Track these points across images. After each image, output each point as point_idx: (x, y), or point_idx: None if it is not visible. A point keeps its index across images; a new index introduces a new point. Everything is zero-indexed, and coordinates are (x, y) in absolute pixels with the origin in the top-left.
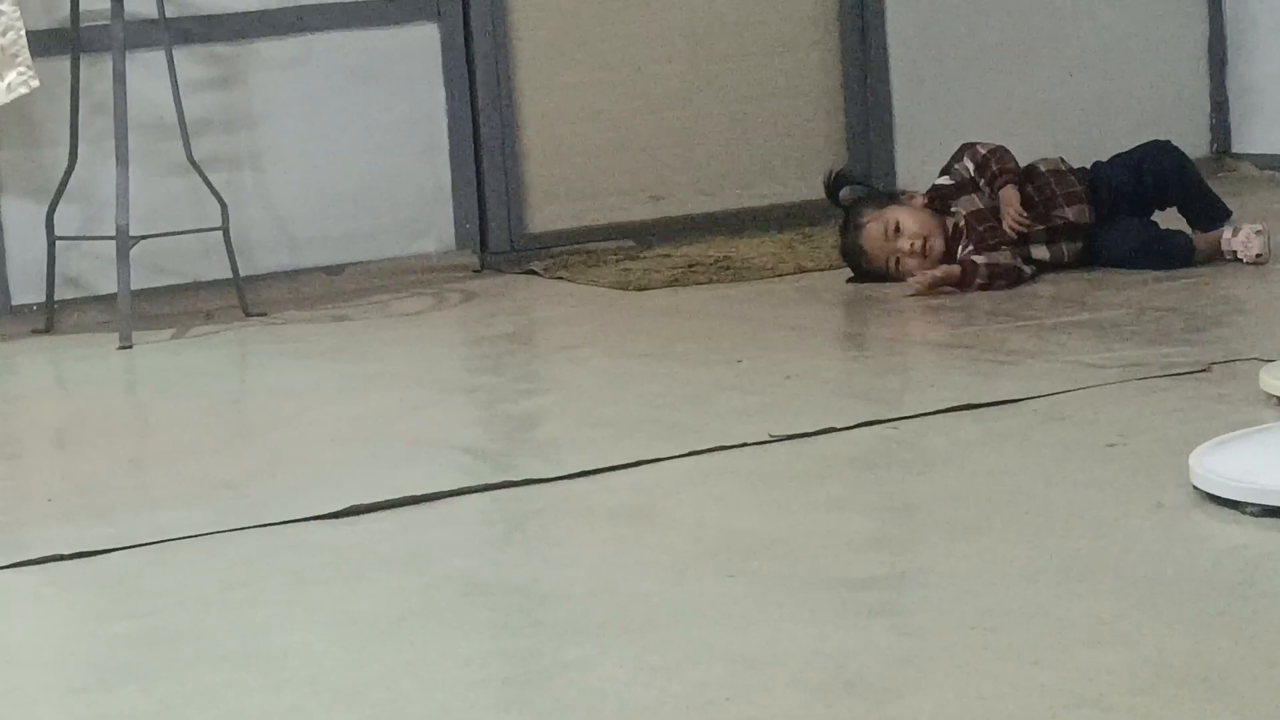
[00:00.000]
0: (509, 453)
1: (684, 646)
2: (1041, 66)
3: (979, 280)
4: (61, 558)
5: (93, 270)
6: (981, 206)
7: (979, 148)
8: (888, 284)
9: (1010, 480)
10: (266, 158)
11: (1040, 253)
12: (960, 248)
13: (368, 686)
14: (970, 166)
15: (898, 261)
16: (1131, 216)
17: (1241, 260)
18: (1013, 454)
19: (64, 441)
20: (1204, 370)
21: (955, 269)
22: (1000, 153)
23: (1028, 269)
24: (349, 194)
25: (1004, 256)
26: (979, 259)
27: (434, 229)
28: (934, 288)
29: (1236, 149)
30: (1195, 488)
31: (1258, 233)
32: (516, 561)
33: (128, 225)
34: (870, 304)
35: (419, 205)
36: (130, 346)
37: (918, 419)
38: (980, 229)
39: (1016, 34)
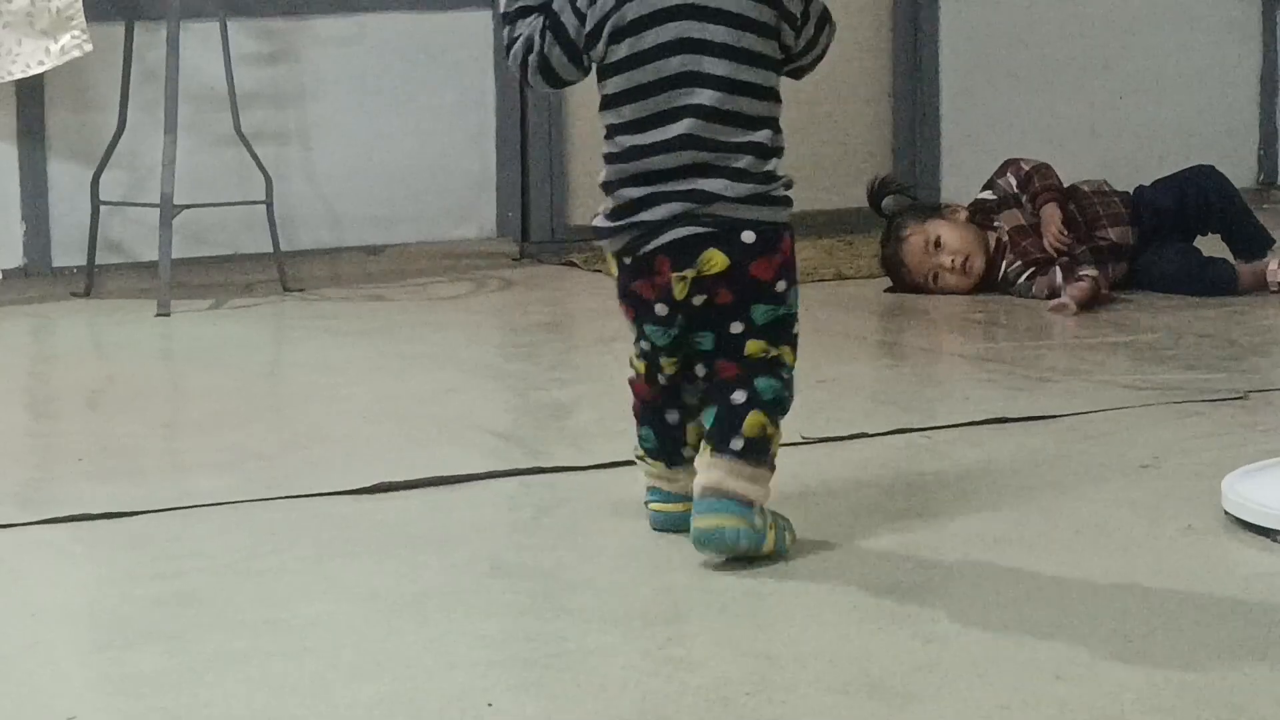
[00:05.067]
0: (540, 439)
1: (707, 641)
2: (1092, 87)
3: (1104, 293)
4: (90, 517)
5: (135, 237)
6: (1024, 223)
7: (1022, 164)
8: (926, 295)
9: (1041, 496)
10: (314, 134)
11: (1087, 273)
12: (1004, 263)
13: (388, 661)
14: (1013, 182)
15: (936, 276)
16: (1174, 241)
17: None
18: (1045, 470)
19: (98, 404)
20: (1240, 397)
21: (1089, 285)
22: (1043, 170)
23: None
24: (393, 175)
25: (1089, 270)
26: (1091, 273)
27: (476, 215)
28: (1087, 301)
29: None
30: (1227, 513)
31: None
32: (542, 547)
33: (172, 194)
34: (908, 314)
35: (463, 191)
36: (168, 314)
37: (951, 429)
38: (1023, 244)
39: (1068, 53)
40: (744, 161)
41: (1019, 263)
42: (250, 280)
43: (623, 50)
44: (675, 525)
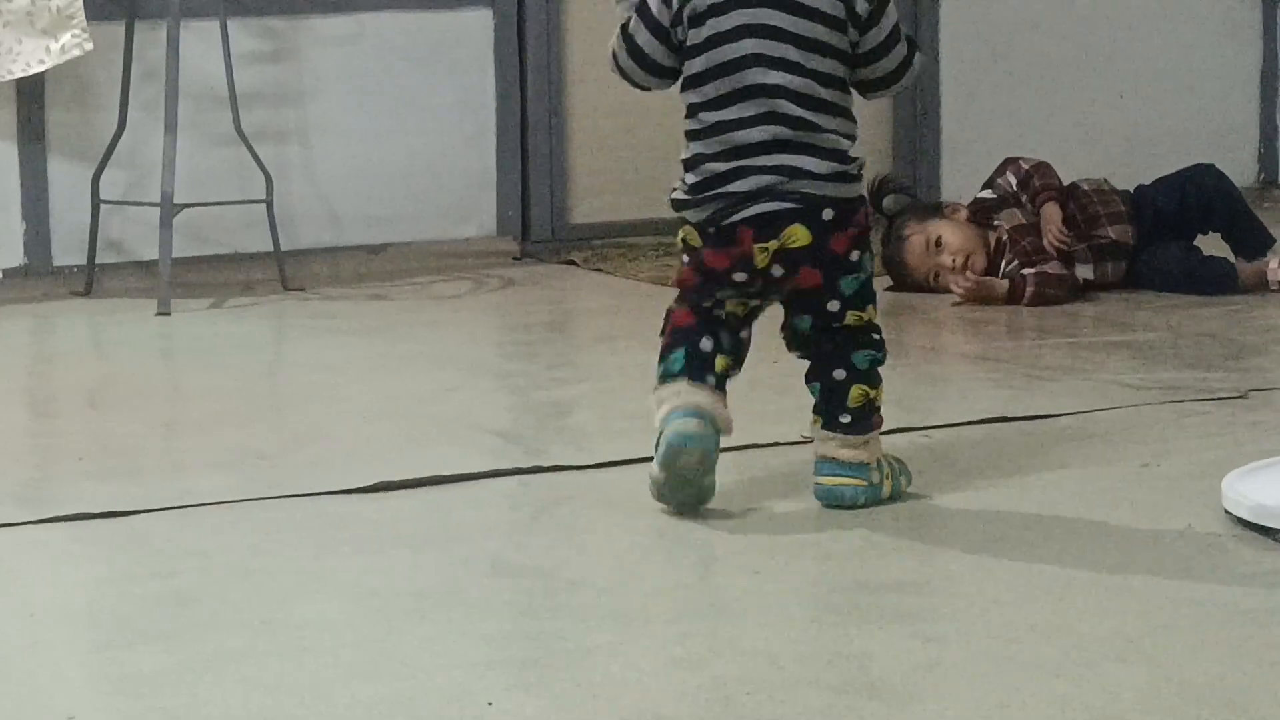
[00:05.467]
0: (540, 439)
1: (707, 640)
2: (1091, 86)
3: (1029, 291)
4: (90, 516)
5: (135, 236)
6: (1024, 221)
7: (1022, 163)
8: (927, 294)
9: (1041, 494)
10: (314, 133)
11: (1085, 271)
12: (1004, 262)
13: (386, 660)
14: (1013, 181)
15: (938, 275)
16: (1174, 240)
17: None
18: (1045, 469)
19: (98, 403)
20: (1240, 397)
21: (1001, 283)
22: (1043, 169)
23: (1078, 277)
24: (394, 174)
25: (1053, 267)
26: (1027, 272)
27: (476, 214)
28: (976, 299)
29: None
30: (1227, 512)
31: None
32: (542, 546)
33: (172, 193)
34: (909, 313)
35: (463, 190)
36: (168, 313)
37: (951, 428)
38: (1023, 243)
39: (1068, 52)
40: (826, 140)
41: (1019, 261)
42: (250, 279)
43: (704, 33)
44: (695, 442)
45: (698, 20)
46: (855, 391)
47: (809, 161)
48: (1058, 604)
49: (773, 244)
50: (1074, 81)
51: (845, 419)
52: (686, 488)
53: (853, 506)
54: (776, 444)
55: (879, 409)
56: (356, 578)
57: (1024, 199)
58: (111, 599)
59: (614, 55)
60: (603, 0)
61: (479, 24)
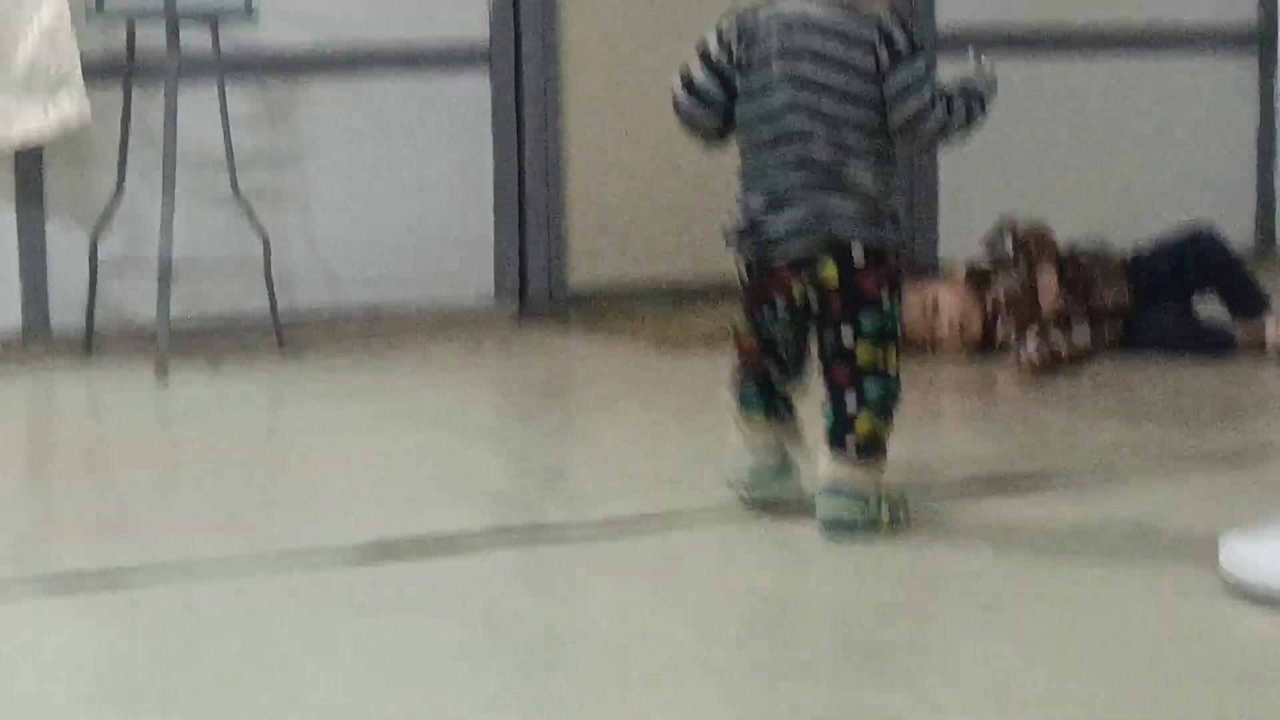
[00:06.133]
0: (537, 500)
1: (703, 701)
2: (1088, 148)
3: (1066, 359)
4: (87, 576)
5: (133, 298)
6: (1020, 285)
7: (1019, 225)
8: (923, 356)
9: (1038, 556)
10: (311, 196)
11: (1082, 334)
12: (999, 325)
13: None
14: (1010, 243)
15: (934, 338)
16: (1171, 302)
17: None
18: (1041, 530)
19: (95, 465)
20: (1238, 458)
21: (1051, 358)
22: (1040, 232)
23: (1076, 347)
24: (391, 237)
25: (1056, 339)
26: (1061, 349)
27: (474, 277)
28: (1039, 375)
29: None
30: (1223, 575)
31: None
32: (538, 608)
33: (170, 255)
34: (906, 375)
35: (460, 252)
36: (166, 375)
37: (947, 489)
38: (1019, 306)
39: (1066, 114)
40: (856, 184)
41: (1015, 324)
42: (248, 341)
43: (752, 83)
44: (771, 475)
45: (746, 71)
46: (864, 421)
47: (839, 204)
48: (1054, 665)
49: (806, 280)
50: (1071, 143)
51: (852, 445)
52: (772, 501)
53: (851, 530)
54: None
55: (885, 445)
56: (354, 637)
57: (1021, 261)
58: (105, 658)
59: (675, 101)
60: (597, 66)
61: (476, 88)
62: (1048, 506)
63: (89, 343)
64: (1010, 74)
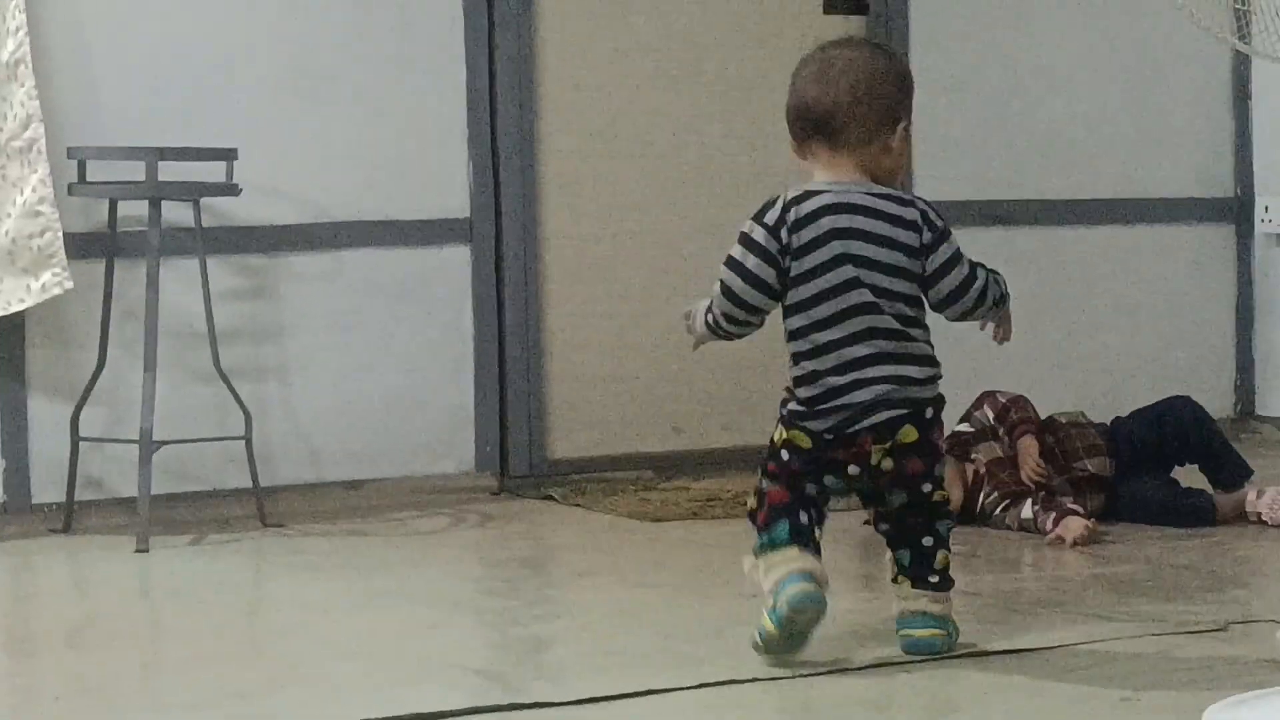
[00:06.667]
0: (518, 676)
1: None
2: (1068, 318)
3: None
4: None
5: (114, 472)
6: (1001, 455)
7: (999, 396)
8: None
9: None
10: (293, 370)
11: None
12: (982, 495)
13: None
14: (990, 414)
15: None
16: (1152, 472)
17: (1267, 522)
18: (1025, 703)
19: (76, 642)
20: (1221, 629)
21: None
22: (1020, 402)
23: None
24: (372, 410)
25: (1069, 503)
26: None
27: (455, 450)
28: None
29: (1260, 412)
30: None
31: None
32: None
33: (152, 430)
34: (885, 546)
35: (441, 425)
36: (147, 550)
37: (931, 662)
38: (1001, 476)
39: (1044, 283)
40: (918, 349)
41: (996, 494)
42: (229, 516)
43: (807, 263)
44: (813, 601)
45: (800, 253)
46: (941, 556)
47: (911, 370)
48: None
49: (888, 444)
50: (1050, 313)
51: (934, 579)
52: (799, 640)
53: (939, 653)
54: (755, 679)
55: (950, 572)
56: None
57: (1001, 432)
58: None
59: (724, 287)
60: (577, 240)
61: (457, 260)
62: (1030, 677)
63: (69, 518)
64: (988, 245)
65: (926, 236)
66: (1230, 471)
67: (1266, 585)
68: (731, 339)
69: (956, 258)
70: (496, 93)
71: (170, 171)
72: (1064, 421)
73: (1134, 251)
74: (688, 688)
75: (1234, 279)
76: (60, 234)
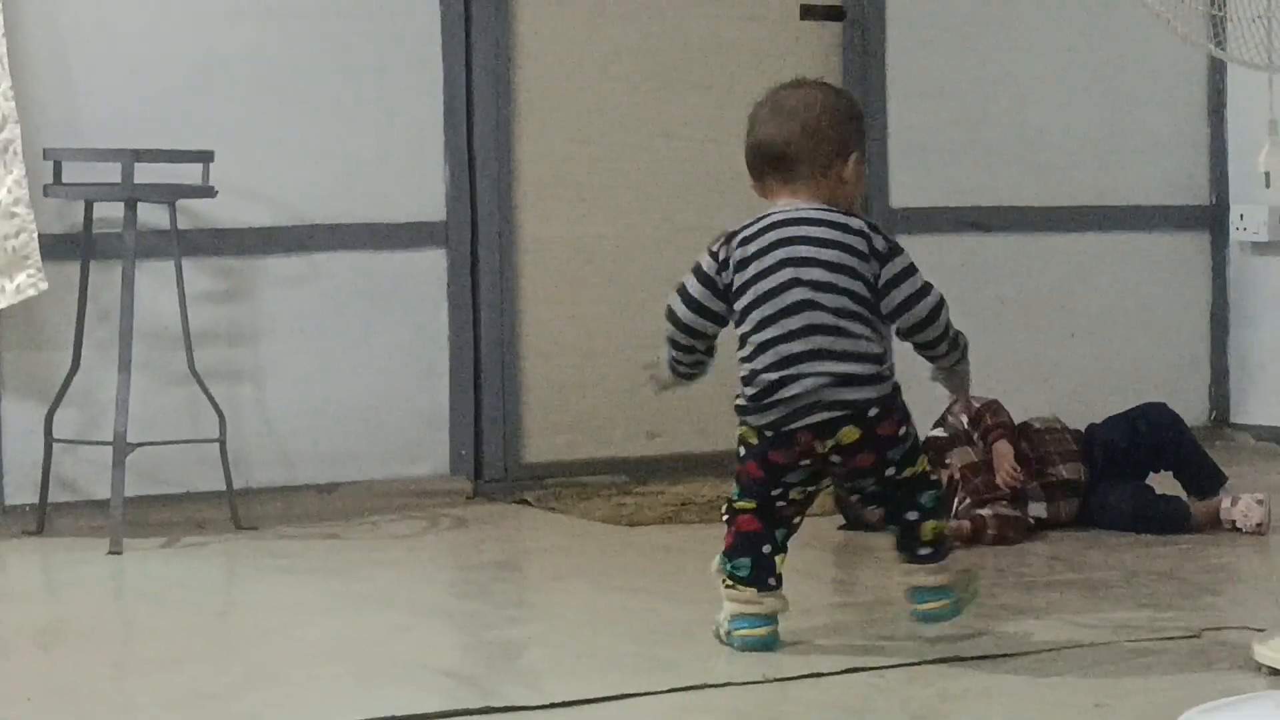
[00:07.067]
0: (492, 679)
1: None
2: (1043, 325)
3: (990, 534)
4: None
5: (88, 474)
6: (976, 460)
7: (973, 401)
8: (877, 533)
9: None
10: (267, 372)
11: (1038, 510)
12: (956, 500)
13: None
14: (964, 419)
15: None
16: (1127, 478)
17: (1241, 530)
18: (999, 709)
19: (48, 644)
20: (1194, 636)
21: (965, 525)
22: (994, 407)
23: (1030, 519)
24: (347, 413)
25: (1005, 508)
26: (985, 513)
27: (429, 453)
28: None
29: (1235, 419)
30: None
31: (1258, 502)
32: None
33: (125, 432)
34: (860, 552)
35: (416, 428)
36: (120, 552)
37: (904, 668)
38: (975, 481)
39: (1018, 293)
40: (860, 346)
41: (970, 500)
42: (203, 518)
43: (748, 272)
44: (762, 645)
45: (743, 265)
46: (927, 527)
47: (852, 367)
48: None
49: (830, 442)
50: (1024, 321)
51: (924, 551)
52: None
53: (947, 619)
54: (728, 684)
55: (948, 537)
56: None
57: (975, 437)
58: None
59: (669, 310)
60: (553, 244)
61: (432, 263)
62: (1004, 683)
63: (43, 520)
64: (963, 252)
65: (878, 241)
66: (1205, 478)
67: (1240, 592)
68: (690, 376)
69: (911, 270)
70: (473, 97)
71: (146, 173)
72: (1039, 427)
73: (1109, 258)
74: (661, 692)
75: (1209, 286)
76: (35, 235)
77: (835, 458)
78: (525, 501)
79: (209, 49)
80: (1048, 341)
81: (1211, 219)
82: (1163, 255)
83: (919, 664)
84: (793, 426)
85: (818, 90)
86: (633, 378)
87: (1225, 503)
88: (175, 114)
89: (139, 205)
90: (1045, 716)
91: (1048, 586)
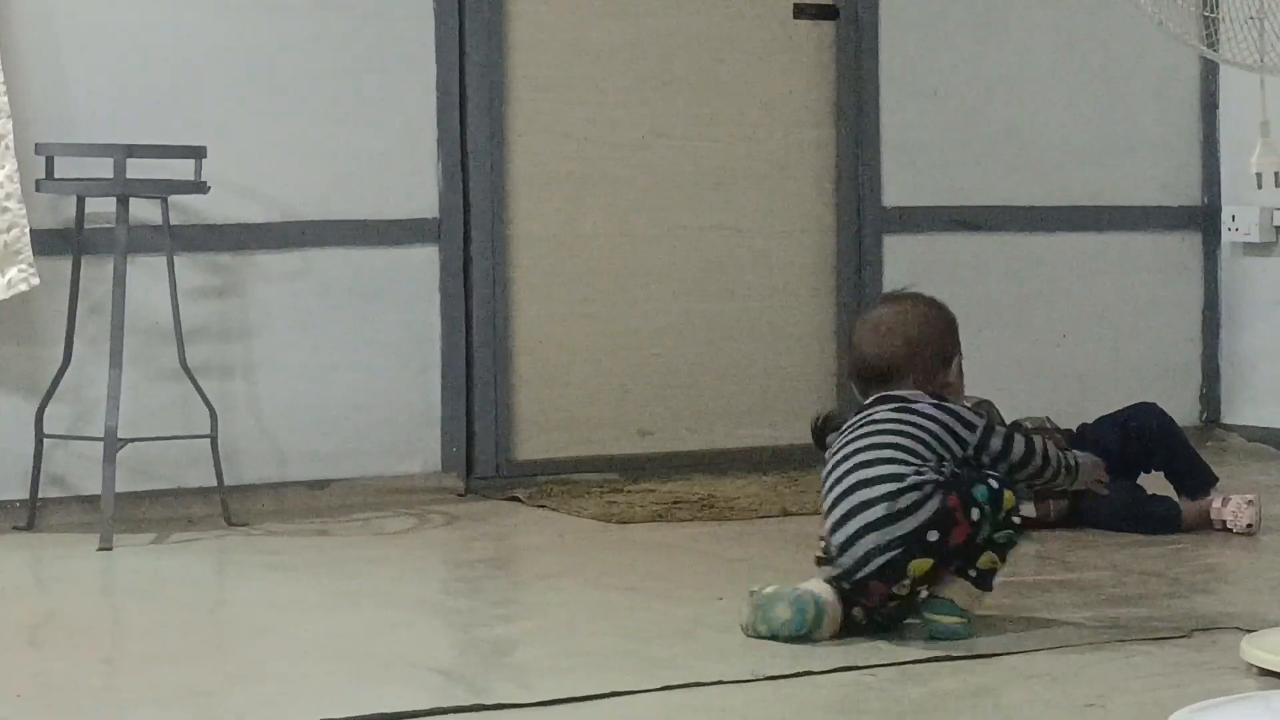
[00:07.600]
0: (483, 676)
1: None
2: (1034, 326)
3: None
4: None
5: (78, 470)
6: None
7: (964, 401)
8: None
9: None
10: (259, 368)
11: (1027, 510)
12: None
13: None
14: None
15: None
16: (1117, 478)
17: (1231, 530)
18: (989, 709)
19: (38, 640)
20: (1185, 636)
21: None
22: (985, 407)
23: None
24: (338, 410)
25: (1024, 511)
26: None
27: (421, 450)
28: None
29: (1226, 420)
30: None
31: (1249, 503)
32: None
33: (116, 428)
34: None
35: (407, 425)
36: (110, 549)
37: (895, 667)
38: None
39: (1010, 293)
40: (903, 500)
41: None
42: (194, 515)
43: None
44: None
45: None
46: (986, 557)
47: (885, 506)
48: None
49: (906, 583)
50: (1016, 322)
51: (974, 574)
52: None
53: (962, 638)
54: (720, 682)
55: (998, 572)
56: None
57: None
58: None
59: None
60: (546, 241)
61: (424, 260)
62: (994, 683)
63: (33, 515)
64: (955, 252)
65: (974, 424)
66: (1195, 479)
67: (1230, 592)
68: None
69: (1010, 436)
70: (466, 93)
71: (139, 169)
72: (1029, 427)
73: (1101, 259)
74: (653, 690)
75: (1200, 287)
76: (27, 230)
77: (921, 588)
78: (516, 499)
79: (202, 45)
80: (1039, 341)
81: (1203, 219)
82: (1154, 255)
83: (910, 663)
84: (861, 575)
85: (911, 303)
86: (626, 375)
87: (1216, 503)
88: (168, 110)
89: (131, 200)
90: (1036, 716)
91: (1038, 586)
